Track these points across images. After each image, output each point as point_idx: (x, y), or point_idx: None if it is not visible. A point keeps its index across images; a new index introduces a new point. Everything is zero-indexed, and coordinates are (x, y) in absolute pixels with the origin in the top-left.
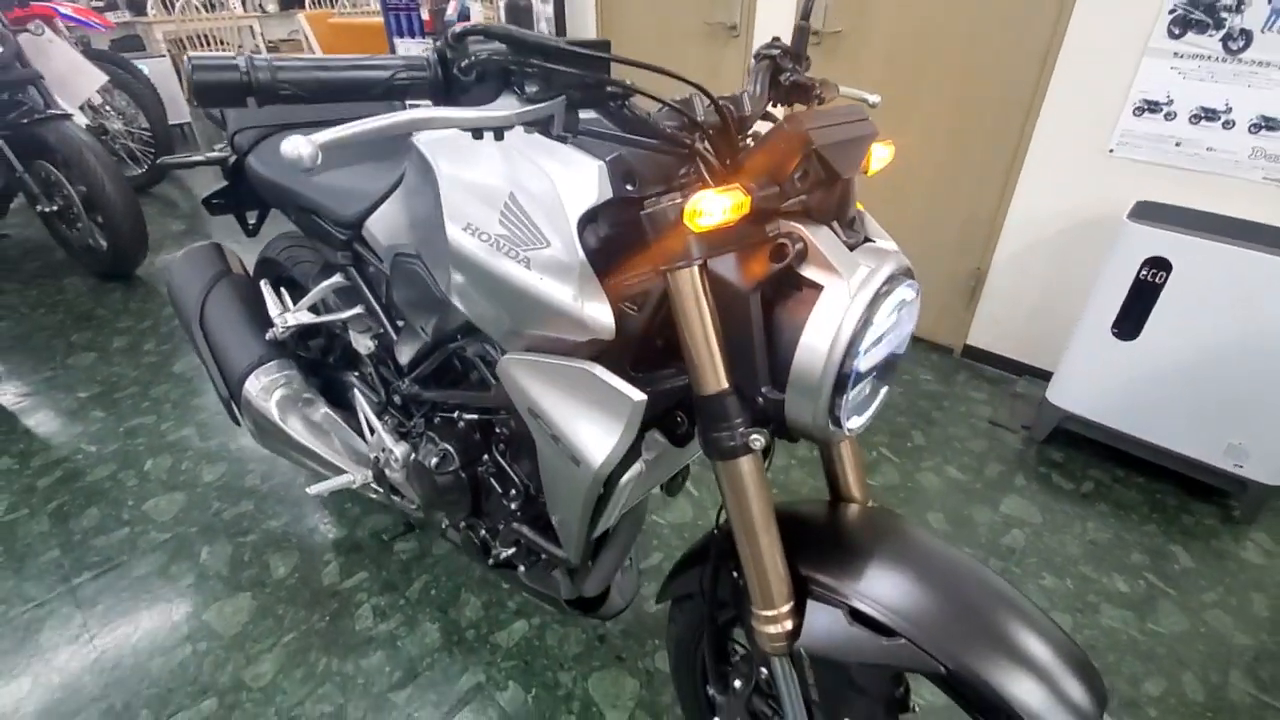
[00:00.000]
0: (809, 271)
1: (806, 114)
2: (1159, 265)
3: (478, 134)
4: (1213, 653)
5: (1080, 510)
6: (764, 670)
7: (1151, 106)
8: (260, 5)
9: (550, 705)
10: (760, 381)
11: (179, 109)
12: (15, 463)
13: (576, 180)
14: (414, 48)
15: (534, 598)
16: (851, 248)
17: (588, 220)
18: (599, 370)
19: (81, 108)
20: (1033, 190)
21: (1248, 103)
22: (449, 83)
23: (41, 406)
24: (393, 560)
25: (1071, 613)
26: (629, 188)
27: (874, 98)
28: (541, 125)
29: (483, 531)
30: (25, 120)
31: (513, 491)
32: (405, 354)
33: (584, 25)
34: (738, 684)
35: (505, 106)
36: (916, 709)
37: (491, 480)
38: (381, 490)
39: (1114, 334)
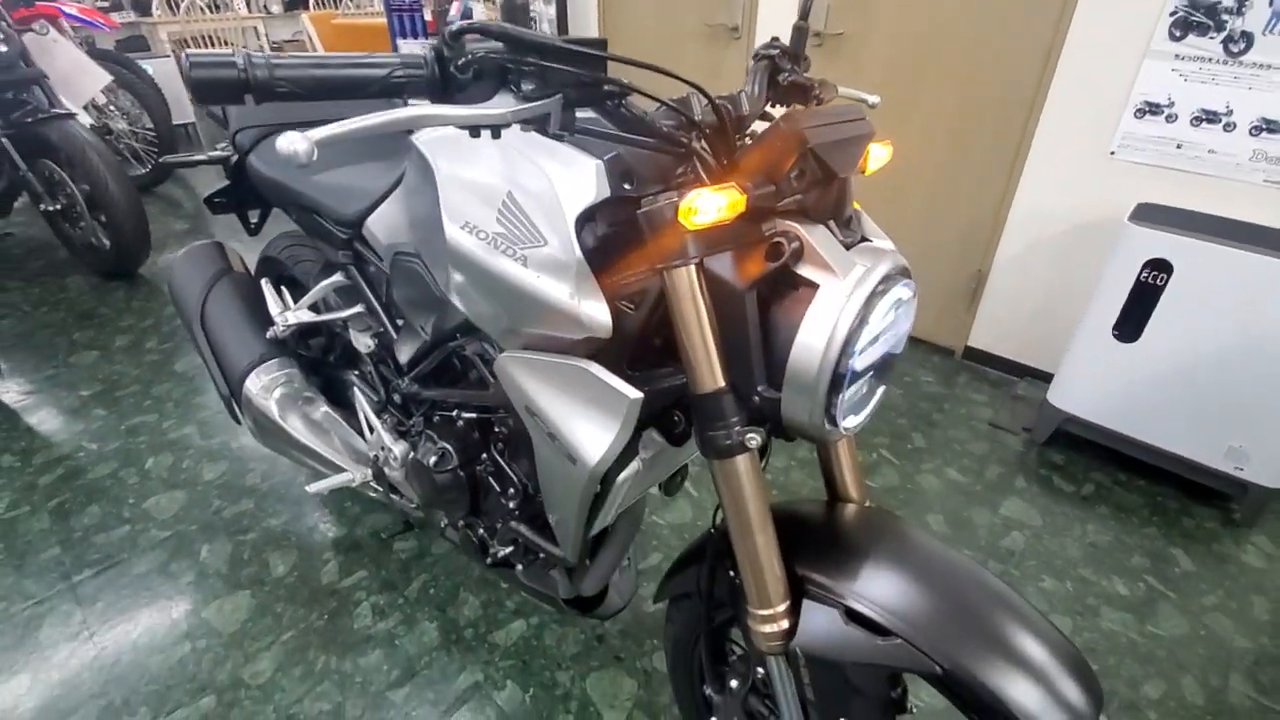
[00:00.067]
0: (805, 270)
1: (803, 113)
2: (1160, 267)
3: (475, 132)
4: (1213, 656)
5: (1080, 513)
6: (760, 670)
7: (1153, 108)
8: (265, 6)
9: (548, 705)
10: (756, 380)
11: (183, 109)
12: (17, 460)
13: (574, 179)
14: (416, 49)
15: (532, 597)
16: (848, 247)
17: (585, 219)
18: (595, 368)
19: (86, 107)
20: (1034, 192)
21: (1249, 105)
22: (446, 81)
23: (43, 404)
24: (392, 559)
25: (1071, 615)
26: (626, 187)
27: (873, 98)
28: (538, 123)
29: (481, 530)
30: (29, 119)
31: (511, 490)
32: (405, 353)
33: (586, 27)
34: (734, 684)
35: (502, 105)
36: (914, 710)
37: (490, 479)
38: (381, 489)
39: (1115, 336)
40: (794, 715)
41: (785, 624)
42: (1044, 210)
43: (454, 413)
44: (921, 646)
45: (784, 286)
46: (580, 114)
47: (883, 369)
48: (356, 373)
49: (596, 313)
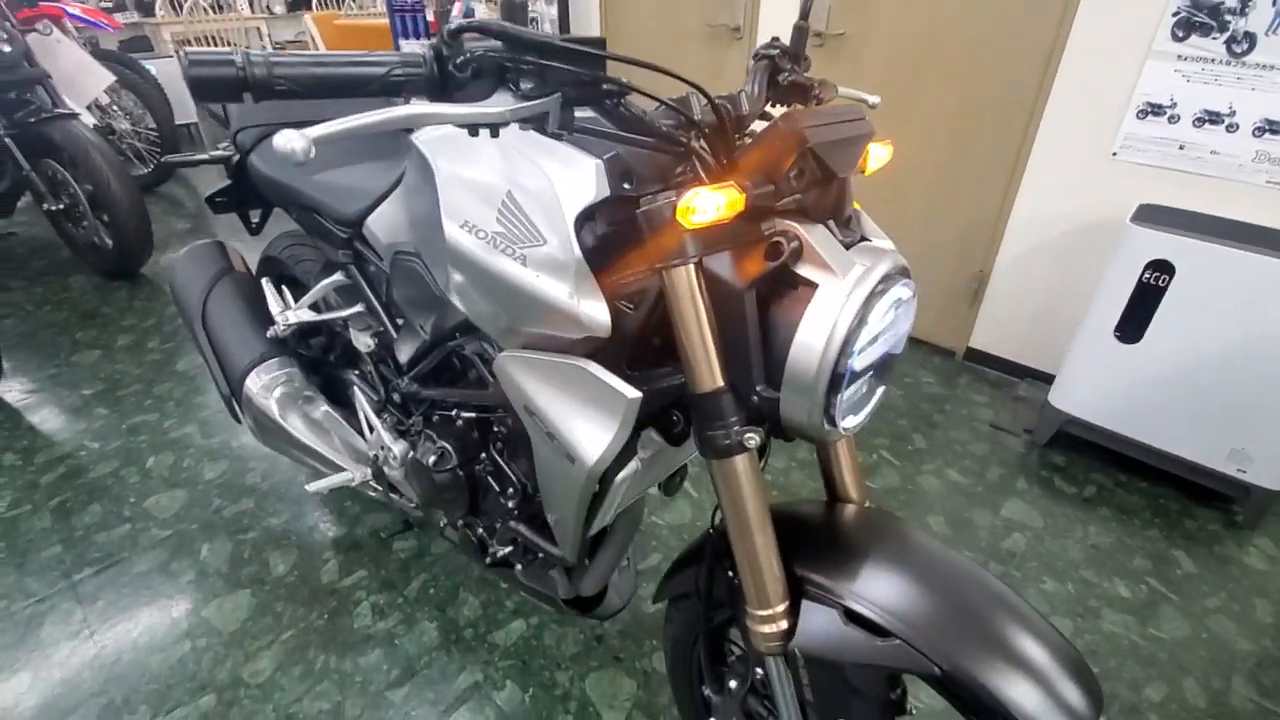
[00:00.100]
0: (804, 270)
1: (802, 113)
2: (1162, 268)
3: (473, 130)
4: (1215, 658)
5: (1082, 514)
6: (759, 670)
7: (1155, 109)
8: (268, 7)
9: (547, 705)
10: (755, 380)
11: (186, 109)
12: (19, 459)
13: (574, 178)
14: (417, 49)
15: (531, 597)
16: (848, 246)
17: (585, 218)
18: (594, 368)
19: (89, 107)
20: (1036, 193)
21: (1252, 106)
22: (445, 79)
23: (46, 403)
24: (392, 559)
25: (1073, 617)
26: (626, 186)
27: (874, 99)
28: (537, 122)
29: (480, 530)
30: (32, 119)
31: (510, 490)
32: (404, 352)
33: (588, 28)
34: (733, 684)
35: (501, 103)
36: (914, 712)
37: (489, 478)
38: (380, 488)
39: (1117, 337)
40: (792, 716)
41: (784, 624)
42: (1045, 211)
43: (453, 412)
44: (920, 647)
45: (783, 286)
46: (579, 113)
47: (882, 369)
48: (356, 372)
49: (595, 312)
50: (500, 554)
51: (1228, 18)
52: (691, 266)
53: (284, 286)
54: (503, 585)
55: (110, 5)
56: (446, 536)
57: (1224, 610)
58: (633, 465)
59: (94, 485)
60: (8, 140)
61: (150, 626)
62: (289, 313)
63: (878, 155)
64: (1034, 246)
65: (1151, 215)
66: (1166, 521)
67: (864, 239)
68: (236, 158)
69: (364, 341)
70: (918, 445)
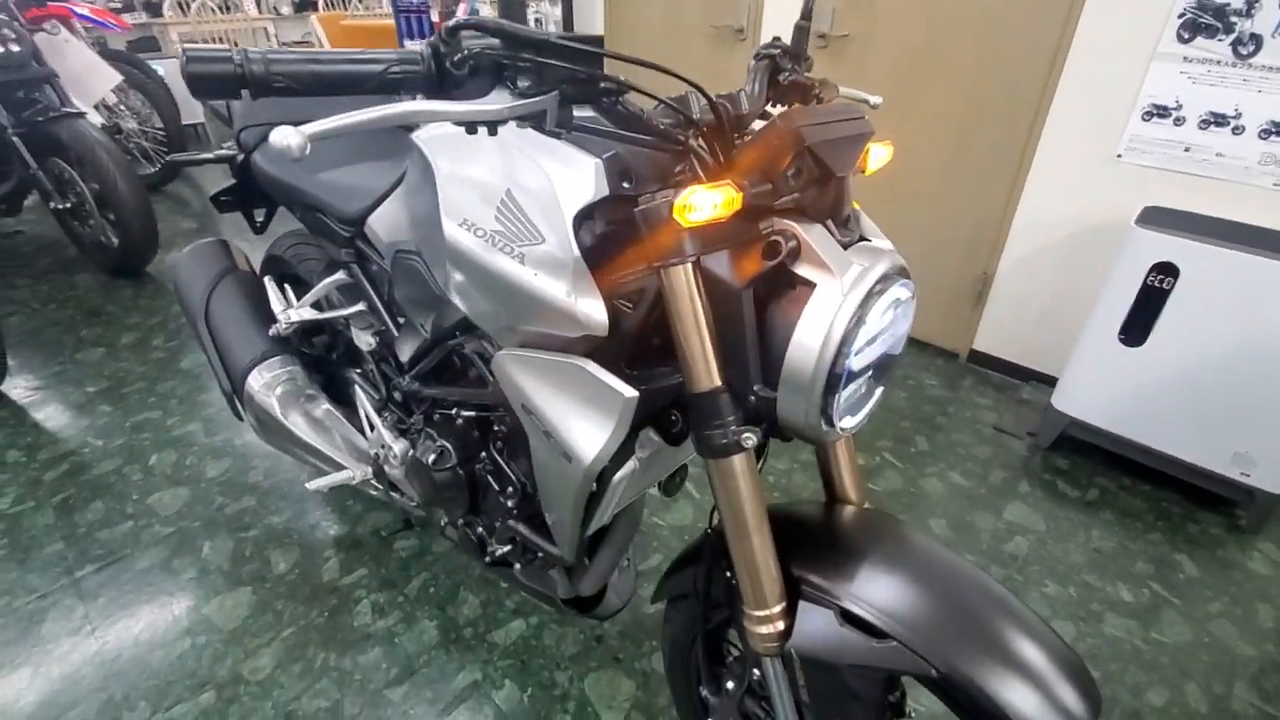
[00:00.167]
0: (802, 269)
1: (800, 112)
2: (1167, 271)
3: (471, 128)
4: (1217, 663)
5: (1085, 518)
6: (756, 671)
7: (1160, 111)
8: (274, 7)
9: (546, 705)
10: (752, 379)
11: (192, 109)
12: (23, 455)
13: (573, 177)
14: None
15: (531, 596)
16: (846, 246)
17: (583, 217)
18: (592, 366)
19: (96, 107)
20: (1040, 194)
21: (1258, 108)
22: (442, 77)
23: (50, 400)
24: (392, 557)
25: (1075, 621)
26: (625, 185)
27: (875, 99)
28: (534, 120)
29: (480, 529)
30: (40, 118)
31: (509, 489)
32: (405, 351)
33: (592, 28)
34: (730, 685)
35: (498, 101)
36: (912, 715)
37: (488, 477)
38: (381, 487)
39: (1121, 340)
40: (789, 718)
41: (781, 625)
42: (1049, 213)
43: (453, 411)
44: (917, 649)
45: (781, 285)
46: (579, 112)
47: (881, 369)
48: (358, 371)
49: (593, 311)
50: (500, 553)
51: (1233, 19)
52: (689, 265)
53: (287, 285)
54: (503, 585)
55: (118, 5)
56: (447, 535)
57: (1226, 615)
58: (630, 465)
59: (97, 482)
60: (15, 139)
61: (151, 623)
62: (291, 311)
63: (878, 155)
64: (1038, 249)
65: (1156, 218)
66: (1169, 525)
67: (863, 239)
68: (240, 157)
69: (365, 340)
70: (920, 448)
